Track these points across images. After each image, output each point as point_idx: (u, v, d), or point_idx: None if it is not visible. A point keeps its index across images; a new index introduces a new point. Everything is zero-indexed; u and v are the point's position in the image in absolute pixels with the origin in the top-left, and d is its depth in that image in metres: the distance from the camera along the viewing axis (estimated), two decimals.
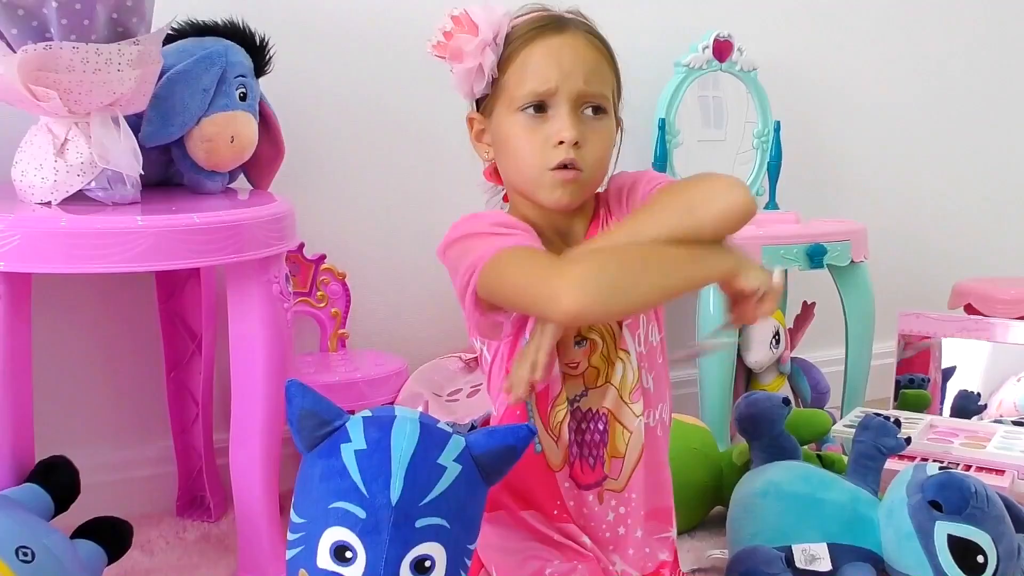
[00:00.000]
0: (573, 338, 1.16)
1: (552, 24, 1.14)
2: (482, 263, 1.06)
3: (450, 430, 0.98)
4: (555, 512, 1.18)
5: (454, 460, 0.95)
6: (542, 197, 1.14)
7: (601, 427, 1.18)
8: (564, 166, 1.11)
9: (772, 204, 2.19)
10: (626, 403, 1.18)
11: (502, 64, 1.14)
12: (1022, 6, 2.75)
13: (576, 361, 1.17)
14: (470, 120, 1.20)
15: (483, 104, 1.18)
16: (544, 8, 1.19)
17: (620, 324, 1.17)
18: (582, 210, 1.19)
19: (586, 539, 1.17)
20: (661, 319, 1.23)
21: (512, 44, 1.14)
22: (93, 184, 1.32)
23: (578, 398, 1.18)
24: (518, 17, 1.17)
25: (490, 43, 1.13)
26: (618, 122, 1.19)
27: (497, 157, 1.19)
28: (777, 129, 2.17)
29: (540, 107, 1.12)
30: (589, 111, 1.13)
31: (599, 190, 1.21)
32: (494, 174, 1.22)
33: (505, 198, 1.23)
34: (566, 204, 1.14)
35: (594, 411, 1.18)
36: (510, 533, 1.17)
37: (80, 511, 1.32)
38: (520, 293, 1.05)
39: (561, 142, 1.10)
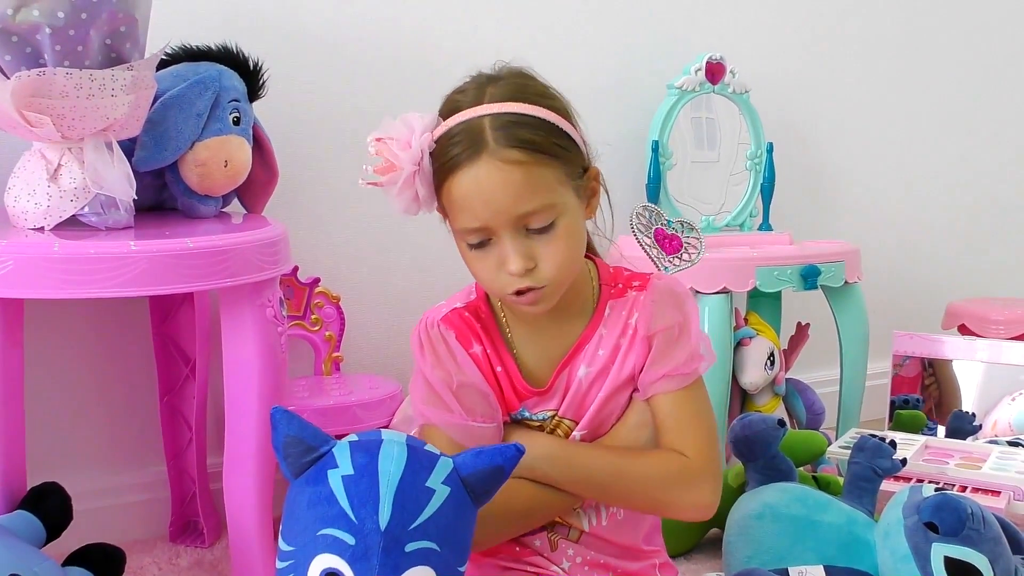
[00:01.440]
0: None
1: (465, 150, 1.02)
2: (419, 419, 1.13)
3: (438, 452, 0.97)
4: (517, 549, 1.17)
5: (442, 482, 0.94)
6: (515, 309, 1.12)
7: None
8: (521, 292, 1.05)
9: (765, 225, 2.20)
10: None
11: (437, 191, 1.06)
12: (1013, 27, 2.77)
13: None
14: (441, 212, 1.11)
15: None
16: (464, 100, 1.06)
17: (574, 424, 1.15)
18: (580, 308, 1.15)
19: (557, 569, 1.16)
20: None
21: (436, 169, 1.04)
22: (86, 209, 1.31)
23: None
24: (442, 123, 1.06)
25: (419, 170, 1.04)
26: (590, 175, 1.11)
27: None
28: (770, 150, 2.18)
29: (482, 242, 1.05)
30: (535, 232, 1.04)
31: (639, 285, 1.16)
32: None
33: None
34: (541, 313, 1.09)
35: None
36: (478, 568, 1.16)
37: (72, 537, 1.31)
38: None
39: (511, 274, 1.04)
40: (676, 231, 1.29)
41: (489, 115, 1.03)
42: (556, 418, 1.15)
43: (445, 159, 1.03)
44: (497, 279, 1.05)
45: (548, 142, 1.04)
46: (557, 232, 1.05)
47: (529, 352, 1.14)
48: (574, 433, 1.15)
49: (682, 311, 1.13)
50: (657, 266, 1.28)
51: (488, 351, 1.12)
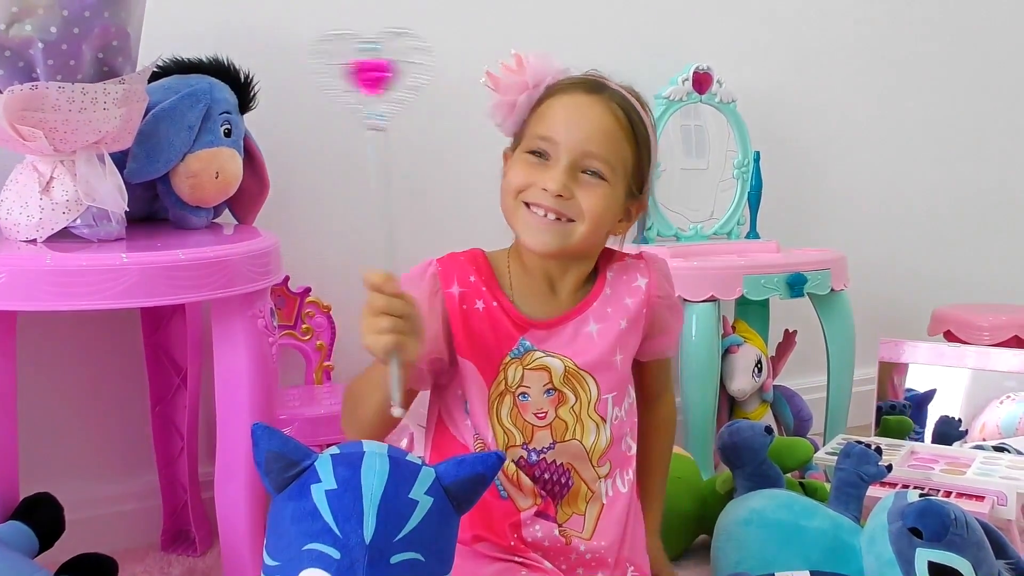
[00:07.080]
0: (543, 386, 1.18)
1: (586, 84, 1.18)
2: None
3: (419, 462, 0.98)
4: (511, 543, 1.19)
5: (425, 493, 0.95)
6: (520, 234, 1.17)
7: (564, 480, 1.21)
8: (539, 210, 1.15)
9: (753, 233, 2.21)
10: (592, 465, 1.21)
11: (532, 110, 1.18)
12: (999, 35, 2.79)
13: (544, 411, 1.19)
14: (505, 155, 1.25)
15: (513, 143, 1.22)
16: (601, 76, 1.22)
17: (598, 387, 1.20)
18: (580, 276, 1.23)
19: (547, 564, 1.18)
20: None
21: (546, 95, 1.18)
22: (78, 221, 1.32)
23: (545, 450, 1.20)
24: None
25: (529, 88, 1.17)
26: (637, 200, 1.22)
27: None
28: (757, 159, 2.20)
29: (542, 154, 1.15)
30: (588, 174, 1.15)
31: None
32: None
33: None
34: (545, 249, 1.17)
35: (559, 464, 1.20)
36: (469, 559, 1.18)
37: (65, 547, 1.32)
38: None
39: (544, 190, 1.14)
40: (375, 52, 1.01)
41: (612, 88, 1.19)
42: (574, 368, 1.20)
43: (563, 85, 1.18)
44: (525, 186, 1.16)
45: (638, 137, 1.19)
46: (599, 189, 1.16)
47: (526, 302, 1.21)
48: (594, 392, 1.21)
49: (672, 284, 1.28)
50: (367, 115, 1.05)
51: (483, 289, 1.19)
